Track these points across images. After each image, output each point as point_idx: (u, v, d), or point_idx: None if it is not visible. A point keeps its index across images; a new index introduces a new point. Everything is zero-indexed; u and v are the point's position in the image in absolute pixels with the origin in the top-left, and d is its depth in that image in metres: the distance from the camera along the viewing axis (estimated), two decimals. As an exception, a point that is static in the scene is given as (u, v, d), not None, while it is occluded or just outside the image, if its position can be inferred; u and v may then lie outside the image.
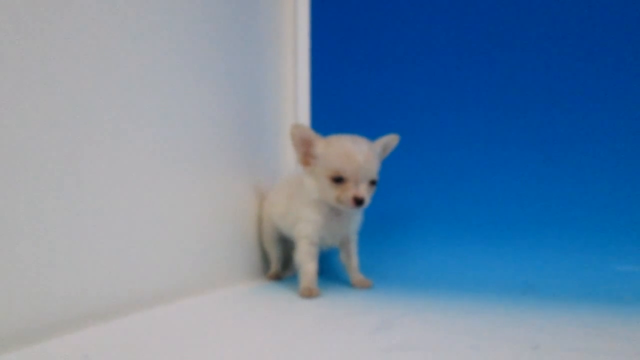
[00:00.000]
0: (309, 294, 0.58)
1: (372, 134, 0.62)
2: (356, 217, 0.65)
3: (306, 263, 0.61)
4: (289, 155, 0.84)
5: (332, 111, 0.91)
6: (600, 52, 0.79)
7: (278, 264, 0.74)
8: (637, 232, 0.74)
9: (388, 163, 0.64)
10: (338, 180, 0.56)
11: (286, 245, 0.74)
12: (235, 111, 0.68)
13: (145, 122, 0.49)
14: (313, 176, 0.60)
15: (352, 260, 0.67)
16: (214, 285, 0.61)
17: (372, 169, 0.57)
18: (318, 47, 0.90)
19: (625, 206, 0.76)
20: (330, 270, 0.78)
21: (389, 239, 0.86)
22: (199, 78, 0.59)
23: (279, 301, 0.56)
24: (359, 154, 0.56)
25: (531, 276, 0.70)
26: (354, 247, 0.67)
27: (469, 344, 0.38)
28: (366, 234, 0.69)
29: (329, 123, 0.85)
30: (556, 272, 0.72)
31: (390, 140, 0.62)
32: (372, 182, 0.58)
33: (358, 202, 0.56)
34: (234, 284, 0.65)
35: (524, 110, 0.83)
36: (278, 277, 0.73)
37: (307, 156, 0.60)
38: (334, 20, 0.94)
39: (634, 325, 0.44)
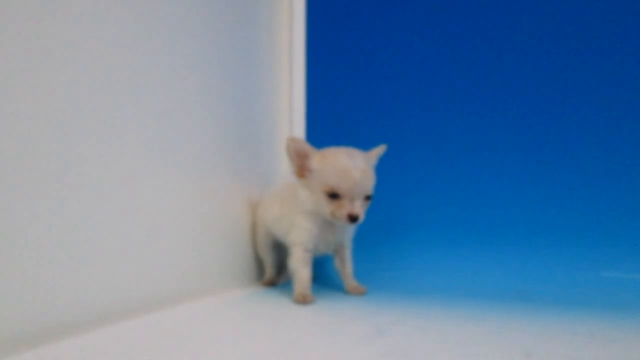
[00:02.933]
0: (303, 300, 0.58)
1: (367, 142, 0.62)
2: (350, 227, 0.65)
3: (300, 269, 0.61)
4: (284, 163, 0.85)
5: (327, 120, 0.92)
6: (596, 58, 0.80)
7: (273, 270, 0.74)
8: (627, 238, 0.75)
9: (382, 170, 0.64)
10: (333, 196, 0.57)
11: (281, 251, 0.74)
12: (230, 119, 0.68)
13: (139, 129, 0.49)
14: (308, 188, 0.60)
15: (346, 267, 0.67)
16: (209, 291, 0.61)
17: (368, 185, 0.57)
18: (314, 55, 0.91)
19: (616, 213, 0.77)
20: (324, 277, 0.78)
21: (383, 246, 0.86)
22: (194, 86, 0.59)
23: (274, 307, 0.57)
24: (355, 171, 0.55)
25: (523, 283, 0.71)
26: (348, 254, 0.67)
27: (461, 351, 0.38)
28: (360, 241, 0.69)
29: (324, 132, 0.86)
30: (548, 279, 0.72)
31: (382, 150, 0.62)
32: (367, 197, 0.58)
33: (352, 219, 0.56)
34: (229, 290, 0.65)
35: (517, 119, 0.84)
36: (273, 283, 0.73)
37: (302, 169, 0.60)
38: (330, 29, 0.95)
39: (626, 331, 0.45)
